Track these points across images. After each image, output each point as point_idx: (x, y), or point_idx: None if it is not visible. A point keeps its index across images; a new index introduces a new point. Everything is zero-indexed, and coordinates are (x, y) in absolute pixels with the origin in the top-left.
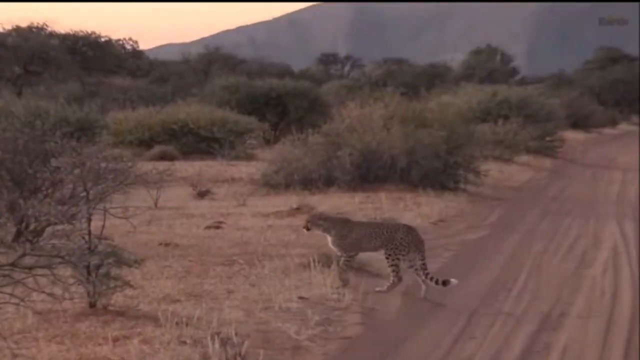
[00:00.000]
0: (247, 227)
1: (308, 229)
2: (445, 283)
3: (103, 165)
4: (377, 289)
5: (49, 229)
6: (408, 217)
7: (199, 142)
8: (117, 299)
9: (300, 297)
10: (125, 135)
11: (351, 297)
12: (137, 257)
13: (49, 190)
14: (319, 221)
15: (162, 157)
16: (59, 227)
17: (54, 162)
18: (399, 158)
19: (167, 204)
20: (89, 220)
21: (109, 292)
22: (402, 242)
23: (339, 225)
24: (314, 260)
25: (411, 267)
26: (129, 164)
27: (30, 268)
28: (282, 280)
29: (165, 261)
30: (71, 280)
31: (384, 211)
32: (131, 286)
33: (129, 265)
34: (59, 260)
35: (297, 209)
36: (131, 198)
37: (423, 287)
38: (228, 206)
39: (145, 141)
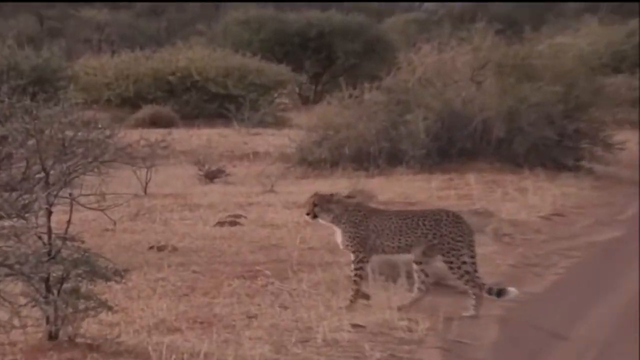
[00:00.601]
0: (276, 223)
1: (314, 216)
2: (500, 293)
3: (69, 134)
4: (466, 313)
5: None
6: (509, 210)
7: (206, 102)
8: (90, 327)
9: (354, 325)
10: (101, 91)
11: (427, 325)
12: (118, 266)
13: None
14: (329, 205)
15: (155, 122)
16: (6, 222)
17: None
18: (495, 124)
19: (161, 190)
20: (49, 213)
21: (77, 318)
22: (453, 235)
23: (352, 211)
24: (372, 272)
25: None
26: (107, 132)
27: None
28: (328, 300)
29: (159, 272)
30: (22, 300)
31: (474, 200)
32: (110, 308)
33: (107, 279)
34: (4, 270)
35: (349, 196)
36: (110, 182)
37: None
38: (249, 193)
39: (130, 99)
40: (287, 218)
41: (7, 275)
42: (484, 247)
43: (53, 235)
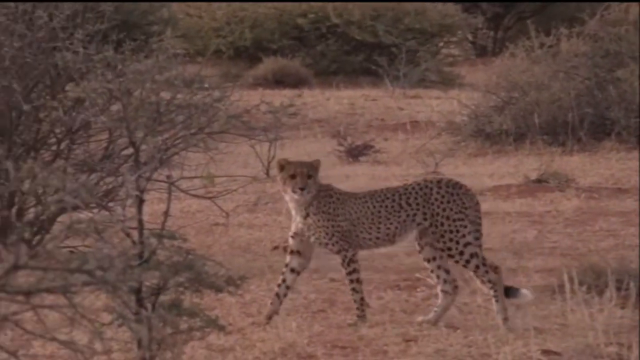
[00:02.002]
0: None
1: (302, 189)
2: (510, 293)
3: (165, 96)
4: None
5: (62, 219)
6: None
7: (348, 53)
8: (195, 353)
9: (545, 352)
10: (207, 40)
11: None
12: (232, 272)
13: (62, 145)
14: (311, 179)
15: (280, 80)
16: (82, 214)
17: (70, 91)
18: None
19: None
20: (140, 201)
21: (178, 340)
22: (448, 212)
23: (323, 197)
24: (570, 280)
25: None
26: (215, 94)
27: (28, 293)
28: (510, 317)
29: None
30: (106, 318)
31: None
32: (221, 328)
33: (218, 289)
34: (82, 278)
35: (538, 181)
36: (221, 161)
37: (438, 303)
38: (406, 176)
39: (247, 50)
40: None
41: (85, 284)
42: None
43: (145, 232)
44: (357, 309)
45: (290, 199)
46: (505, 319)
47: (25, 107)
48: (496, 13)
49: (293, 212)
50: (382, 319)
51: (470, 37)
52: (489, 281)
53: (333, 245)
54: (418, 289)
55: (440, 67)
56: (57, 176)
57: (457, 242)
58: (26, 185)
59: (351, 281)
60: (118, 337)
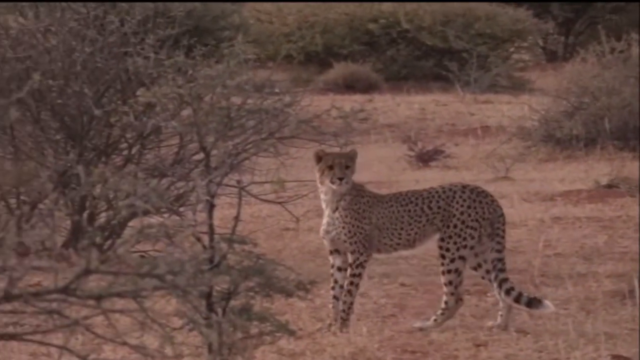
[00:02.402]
0: (512, 220)
1: (340, 179)
2: (531, 304)
3: (236, 101)
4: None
5: (133, 223)
6: None
7: (419, 59)
8: (266, 358)
9: (616, 357)
10: (278, 45)
11: None
12: (302, 277)
13: (133, 150)
14: (349, 169)
15: (350, 85)
16: (153, 219)
17: (141, 95)
18: None
19: (359, 176)
20: (211, 206)
21: (249, 345)
22: (465, 217)
23: (355, 196)
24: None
25: (479, 266)
26: (286, 99)
27: (100, 298)
28: (581, 323)
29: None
30: (176, 322)
31: None
32: (292, 333)
33: (288, 294)
34: (153, 283)
35: (609, 186)
36: (291, 165)
37: (501, 306)
38: (476, 180)
39: (317, 55)
40: (526, 214)
41: (156, 289)
42: None
43: (216, 236)
44: (343, 311)
45: (326, 190)
46: (421, 328)
47: (97, 112)
48: (567, 18)
49: (324, 206)
50: (452, 323)
51: (541, 42)
52: (446, 302)
53: (350, 244)
54: (488, 294)
55: (510, 72)
56: (128, 181)
57: (457, 249)
58: (97, 190)
59: (351, 283)
60: (188, 342)
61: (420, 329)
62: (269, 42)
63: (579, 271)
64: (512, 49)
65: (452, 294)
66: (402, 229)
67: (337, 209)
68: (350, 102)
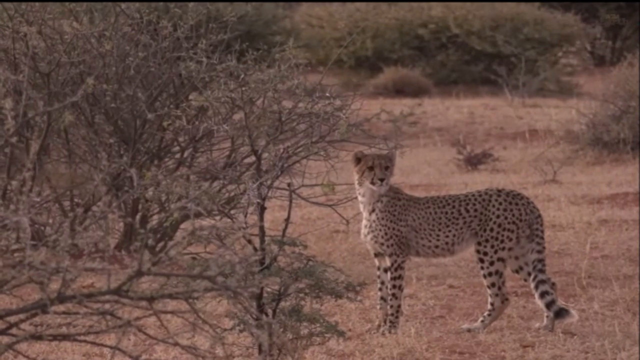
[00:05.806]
0: (559, 223)
1: (381, 180)
2: (560, 314)
3: (287, 105)
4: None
5: (185, 226)
6: None
7: (468, 63)
8: (315, 358)
9: None
10: (329, 49)
11: None
12: (352, 279)
13: (185, 153)
14: (388, 170)
15: (400, 89)
16: (205, 221)
17: (194, 99)
18: None
19: (408, 179)
20: (262, 209)
21: (299, 346)
22: (501, 220)
23: (392, 198)
24: None
25: (520, 269)
26: (337, 102)
27: (151, 299)
28: (627, 324)
29: (405, 287)
30: (227, 323)
31: None
32: (341, 334)
33: (338, 296)
34: (204, 284)
35: None
36: (341, 169)
37: (544, 312)
38: (524, 183)
39: (368, 60)
40: (573, 217)
41: (207, 290)
42: None
43: (267, 238)
44: (392, 314)
45: (363, 192)
46: (472, 330)
47: (150, 116)
48: (615, 23)
49: (361, 207)
50: (499, 325)
51: (588, 46)
52: (492, 304)
53: (387, 247)
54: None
55: (558, 76)
56: (180, 184)
57: (495, 252)
58: (150, 193)
59: (394, 286)
60: (239, 343)
61: (468, 330)
62: (319, 47)
63: (625, 273)
64: (560, 54)
65: (496, 295)
66: (439, 230)
67: (373, 210)
68: (400, 106)
